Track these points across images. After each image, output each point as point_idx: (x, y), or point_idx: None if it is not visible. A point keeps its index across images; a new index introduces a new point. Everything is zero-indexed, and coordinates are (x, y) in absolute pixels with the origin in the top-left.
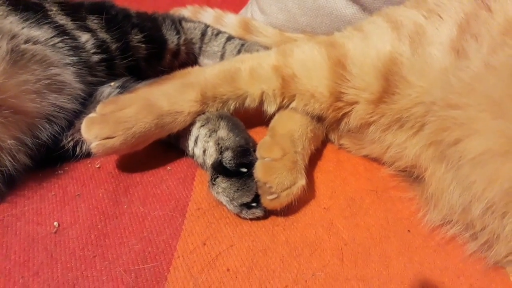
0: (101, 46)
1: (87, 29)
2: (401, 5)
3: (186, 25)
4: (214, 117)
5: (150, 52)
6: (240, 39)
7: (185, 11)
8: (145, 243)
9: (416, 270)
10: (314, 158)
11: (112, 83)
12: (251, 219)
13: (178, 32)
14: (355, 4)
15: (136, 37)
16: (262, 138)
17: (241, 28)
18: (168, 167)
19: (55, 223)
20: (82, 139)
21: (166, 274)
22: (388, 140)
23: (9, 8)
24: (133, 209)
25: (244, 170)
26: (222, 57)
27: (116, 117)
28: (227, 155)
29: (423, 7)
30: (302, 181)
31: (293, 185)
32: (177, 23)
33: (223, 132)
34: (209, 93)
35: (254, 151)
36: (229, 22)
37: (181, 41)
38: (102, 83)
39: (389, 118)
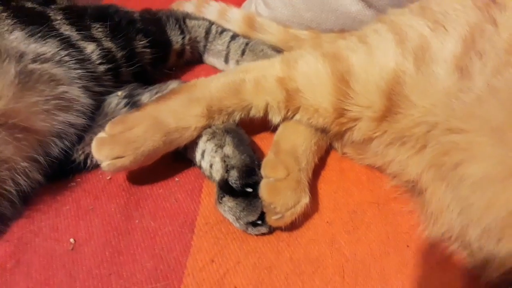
0: (107, 56)
1: (92, 39)
2: (406, 10)
3: (190, 23)
4: (220, 132)
5: (155, 56)
6: (244, 37)
7: (189, 4)
8: (156, 261)
9: (414, 287)
10: (317, 168)
11: (119, 93)
12: (256, 235)
13: (182, 32)
14: (360, 1)
15: (140, 42)
16: (268, 148)
17: (245, 25)
18: (176, 178)
19: (71, 240)
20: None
21: None
22: (391, 155)
23: (14, 21)
24: (144, 224)
25: (250, 190)
26: (226, 56)
27: (125, 138)
28: (233, 175)
29: (429, 16)
30: (305, 200)
31: (297, 204)
32: (181, 22)
33: (228, 149)
34: (215, 107)
35: (259, 166)
36: (233, 17)
37: (186, 40)
38: (109, 92)
39: (391, 136)
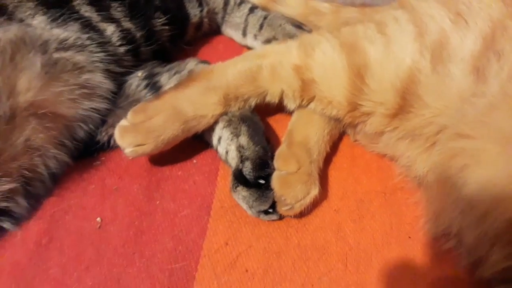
0: (126, 37)
1: (112, 20)
2: None
3: None
4: (236, 120)
5: (173, 33)
6: (263, 9)
7: None
8: (176, 242)
9: (412, 279)
10: (330, 154)
11: (139, 73)
12: (269, 221)
13: (200, 4)
14: None
15: (159, 20)
16: (282, 131)
17: None
18: (194, 160)
19: (98, 219)
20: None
21: (194, 273)
22: (401, 149)
23: (36, 3)
24: (164, 205)
25: (262, 182)
26: (244, 30)
27: (146, 127)
28: (247, 166)
29: (451, 6)
30: (315, 191)
31: (307, 196)
32: None
33: (243, 140)
34: (231, 95)
35: (272, 157)
36: None
37: (204, 13)
38: (130, 73)
39: (402, 132)
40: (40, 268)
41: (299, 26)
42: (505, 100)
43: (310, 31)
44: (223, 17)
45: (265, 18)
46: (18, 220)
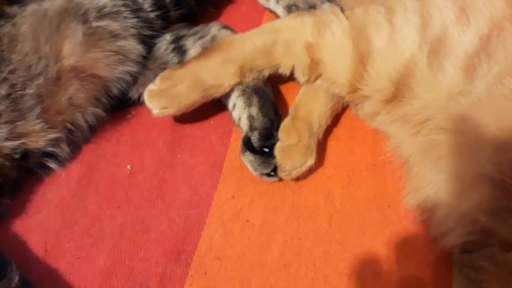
0: (157, 3)
1: None
2: None
3: None
4: (249, 91)
5: None
6: None
7: None
8: (191, 192)
9: (384, 241)
10: (331, 125)
11: (168, 37)
12: (270, 182)
13: None
14: None
15: None
16: (291, 98)
17: None
18: (212, 121)
19: (128, 166)
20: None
21: (205, 219)
22: (392, 130)
23: None
24: (184, 159)
25: (267, 150)
26: None
27: (171, 93)
28: (255, 136)
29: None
30: (311, 161)
31: (303, 165)
32: None
33: (254, 110)
34: (247, 67)
35: (278, 128)
36: None
37: None
38: (159, 35)
39: (394, 116)
40: (80, 204)
41: None
42: (487, 102)
43: (330, 0)
44: None
45: None
46: (62, 162)
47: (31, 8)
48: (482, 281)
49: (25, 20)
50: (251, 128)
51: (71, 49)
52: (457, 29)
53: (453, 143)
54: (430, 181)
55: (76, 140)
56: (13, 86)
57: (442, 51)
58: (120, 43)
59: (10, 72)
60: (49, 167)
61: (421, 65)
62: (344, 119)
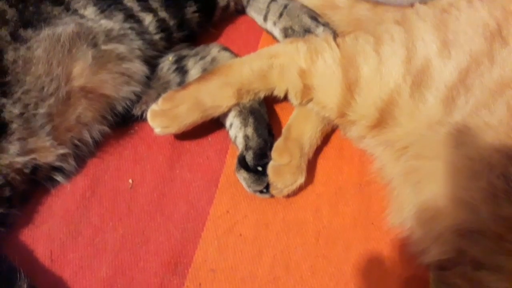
0: (161, 26)
1: (149, 10)
2: (430, 13)
3: None
4: (246, 111)
5: (202, 19)
6: None
7: None
8: (189, 206)
9: (368, 257)
10: (321, 145)
11: (170, 58)
12: (262, 198)
13: None
14: None
15: (190, 8)
16: (285, 118)
17: None
18: (209, 138)
19: (130, 180)
20: (148, 108)
21: (201, 232)
22: (377, 153)
23: None
24: (183, 175)
25: (260, 169)
26: (265, 16)
27: (172, 113)
28: (249, 155)
29: (442, 33)
30: (301, 180)
31: (294, 183)
32: None
33: (249, 131)
34: (244, 90)
35: (271, 148)
36: None
37: None
38: (162, 56)
39: (378, 141)
40: (84, 216)
41: (315, 18)
42: (463, 132)
43: (324, 24)
44: (248, 0)
45: (285, 7)
46: (68, 176)
47: (45, 32)
48: None
49: (39, 44)
50: (246, 147)
51: (81, 71)
52: (439, 62)
53: (430, 170)
54: (409, 202)
55: (82, 155)
56: (26, 106)
57: (424, 82)
58: (126, 65)
59: (23, 93)
60: (56, 180)
61: (404, 95)
62: (334, 139)
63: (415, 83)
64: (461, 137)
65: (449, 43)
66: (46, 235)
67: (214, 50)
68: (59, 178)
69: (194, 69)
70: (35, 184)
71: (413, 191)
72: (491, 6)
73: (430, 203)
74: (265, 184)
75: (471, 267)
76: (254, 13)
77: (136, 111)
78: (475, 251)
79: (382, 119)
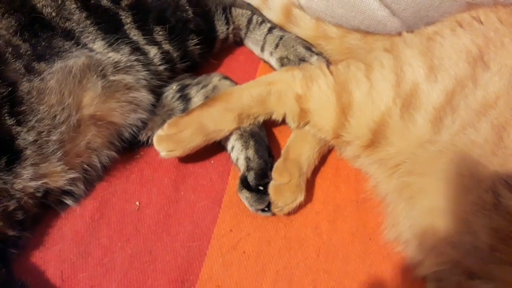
0: (165, 58)
1: (154, 43)
2: (416, 41)
3: (235, 12)
4: (246, 135)
5: (203, 50)
6: (280, 29)
7: None
8: (194, 225)
9: (366, 270)
10: (318, 165)
11: (174, 87)
12: (264, 216)
13: (227, 22)
14: (386, 8)
15: (192, 41)
16: (284, 140)
17: (283, 15)
18: (212, 161)
19: (137, 202)
20: (153, 134)
21: (206, 251)
22: (371, 171)
23: (96, 28)
24: (187, 196)
25: (261, 188)
26: (262, 46)
27: (177, 138)
28: (251, 175)
29: (428, 59)
30: (300, 198)
31: (294, 201)
32: (228, 11)
33: (250, 153)
34: (244, 114)
35: (271, 168)
36: (274, 6)
37: (230, 30)
38: (166, 85)
39: (372, 160)
40: (94, 237)
41: (309, 48)
42: (450, 151)
43: (318, 54)
44: (245, 33)
45: (280, 38)
46: (77, 199)
47: (58, 65)
48: None
49: (52, 76)
50: (248, 168)
51: (91, 100)
52: (426, 85)
53: (422, 185)
54: (404, 217)
55: (91, 179)
56: (39, 133)
57: (413, 104)
58: (133, 94)
59: (37, 121)
60: (66, 203)
61: (395, 116)
62: (330, 159)
63: (405, 105)
64: (450, 155)
65: (435, 68)
66: (56, 256)
67: (215, 79)
68: (69, 201)
69: (196, 97)
70: (46, 207)
71: (406, 206)
72: (473, 34)
73: (423, 217)
74: (266, 203)
75: (465, 277)
76: (252, 44)
77: (142, 137)
78: (469, 262)
79: (375, 139)
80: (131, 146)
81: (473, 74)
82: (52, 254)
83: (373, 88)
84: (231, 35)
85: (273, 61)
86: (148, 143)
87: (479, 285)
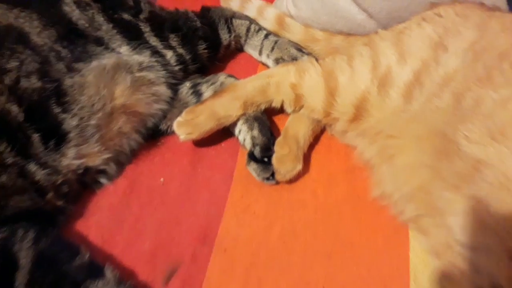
0: (179, 60)
1: (170, 47)
2: (388, 35)
3: (235, 22)
4: (251, 119)
5: (210, 54)
6: (274, 35)
7: (235, 1)
8: (211, 194)
9: (357, 223)
10: (313, 143)
11: (187, 84)
12: (270, 185)
13: (229, 31)
14: (364, 12)
15: (201, 46)
16: (282, 125)
17: (276, 23)
18: (222, 144)
19: (161, 179)
20: (172, 124)
21: (222, 213)
22: (357, 142)
23: (121, 36)
24: (204, 172)
25: (266, 160)
26: (260, 50)
27: (194, 123)
28: (257, 150)
29: (399, 47)
30: (299, 167)
31: (293, 169)
32: (229, 22)
33: (255, 132)
34: (249, 102)
35: (274, 143)
36: (268, 16)
37: (231, 37)
38: (181, 83)
39: (357, 131)
40: (126, 208)
41: (300, 49)
42: (420, 116)
43: (308, 54)
44: (245, 40)
45: (275, 42)
46: (110, 178)
47: (94, 63)
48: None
49: (90, 72)
50: (254, 145)
51: (121, 92)
52: (397, 68)
53: (399, 145)
54: (386, 174)
55: (122, 160)
56: (81, 119)
57: (388, 83)
58: (155, 88)
59: (79, 109)
60: (100, 182)
61: (373, 93)
62: (323, 138)
63: (381, 84)
64: (420, 119)
65: (405, 54)
66: (96, 224)
67: (222, 77)
68: (103, 180)
69: (207, 92)
70: (85, 186)
71: (387, 165)
72: (434, 25)
73: (402, 172)
74: (271, 172)
75: (439, 215)
76: (251, 49)
77: (163, 126)
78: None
79: (358, 113)
80: (153, 135)
81: (435, 56)
82: (92, 222)
83: (355, 73)
84: (233, 42)
85: (270, 62)
86: (167, 132)
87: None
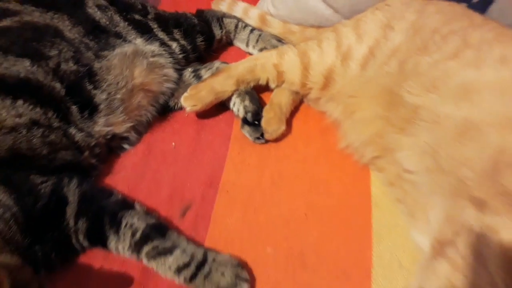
0: (182, 49)
1: (174, 39)
2: (349, 22)
3: (225, 21)
4: (243, 93)
5: (206, 46)
6: (258, 30)
7: (224, 4)
8: (212, 153)
9: (329, 167)
10: (294, 112)
11: (189, 69)
12: (260, 144)
13: (221, 28)
14: (330, 8)
15: (199, 39)
16: (267, 100)
17: (259, 21)
18: (220, 116)
19: (173, 143)
20: (179, 101)
21: (223, 164)
22: (327, 107)
23: (135, 31)
24: (206, 137)
25: (256, 123)
26: (247, 43)
27: (197, 97)
28: (249, 115)
29: (357, 30)
30: (283, 127)
31: (278, 129)
32: (220, 20)
33: (247, 102)
34: (240, 80)
35: (262, 110)
36: (252, 15)
37: (223, 33)
38: (184, 69)
39: (327, 97)
40: (146, 165)
41: (280, 40)
42: (374, 79)
43: (286, 43)
44: (234, 35)
45: (259, 36)
46: (131, 143)
47: (118, 50)
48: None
49: (114, 57)
50: (246, 112)
51: (139, 73)
52: (356, 45)
53: (358, 103)
54: (349, 128)
55: (140, 129)
56: (109, 93)
57: (349, 57)
58: (165, 70)
59: (107, 86)
60: (123, 147)
61: (337, 66)
62: (301, 108)
63: (344, 58)
64: (373, 82)
65: (362, 35)
66: (122, 178)
67: (217, 63)
68: (126, 145)
69: (205, 75)
70: (111, 150)
71: (350, 119)
72: (384, 12)
73: (361, 123)
74: (260, 132)
75: (390, 153)
76: (239, 42)
77: (171, 103)
78: (388, 139)
79: (327, 82)
80: (164, 112)
81: (385, 34)
82: (119, 177)
83: (323, 52)
84: (224, 37)
85: (256, 52)
86: (175, 108)
87: (397, 156)
